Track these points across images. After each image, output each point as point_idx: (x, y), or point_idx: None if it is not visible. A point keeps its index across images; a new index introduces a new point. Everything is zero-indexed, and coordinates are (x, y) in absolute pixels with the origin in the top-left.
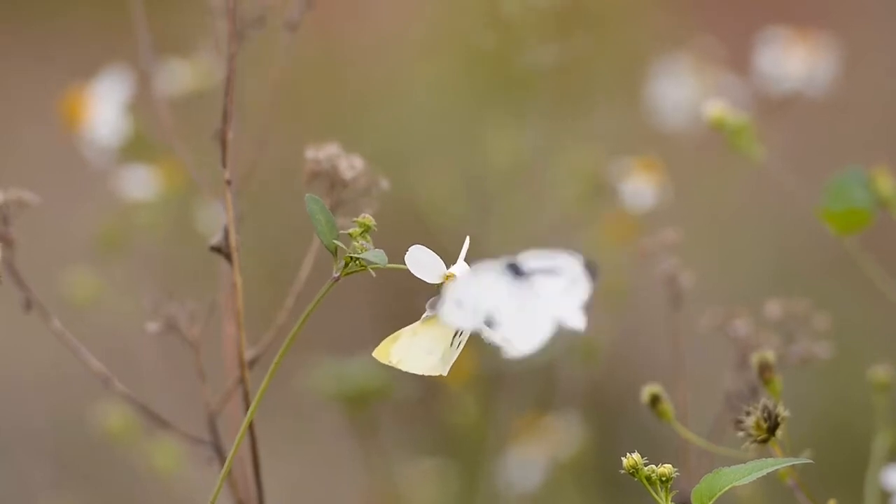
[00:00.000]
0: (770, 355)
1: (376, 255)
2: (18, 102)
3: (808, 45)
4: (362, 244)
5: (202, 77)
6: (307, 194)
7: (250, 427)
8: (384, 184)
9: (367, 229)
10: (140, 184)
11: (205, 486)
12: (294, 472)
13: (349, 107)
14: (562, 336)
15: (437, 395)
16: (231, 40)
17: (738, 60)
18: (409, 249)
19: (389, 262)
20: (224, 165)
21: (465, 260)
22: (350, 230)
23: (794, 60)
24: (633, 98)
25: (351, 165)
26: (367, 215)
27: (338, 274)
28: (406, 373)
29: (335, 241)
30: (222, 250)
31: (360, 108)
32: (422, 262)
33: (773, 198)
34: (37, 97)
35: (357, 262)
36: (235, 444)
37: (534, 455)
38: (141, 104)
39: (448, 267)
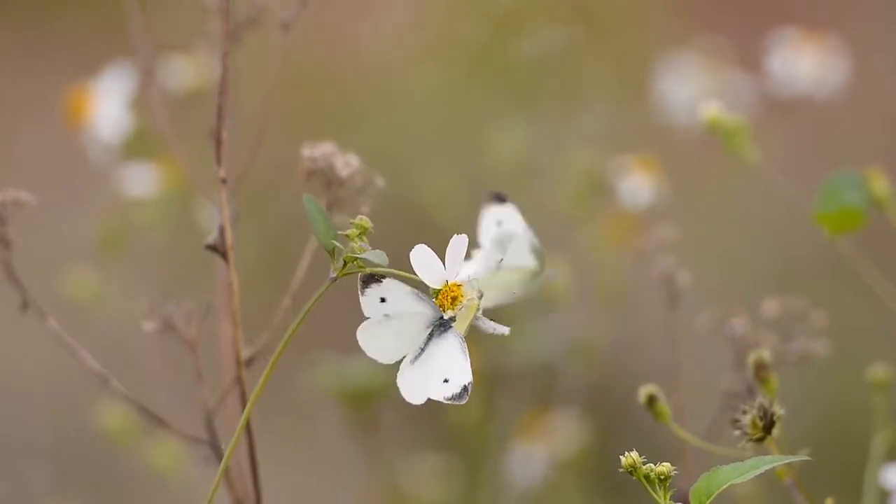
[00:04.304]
0: (766, 354)
1: (376, 256)
2: (18, 102)
3: (818, 47)
4: (360, 245)
5: (200, 76)
6: (304, 195)
7: (248, 427)
8: (380, 182)
9: (364, 231)
10: (141, 181)
11: (204, 486)
12: (294, 473)
13: (350, 106)
14: (561, 337)
15: None
16: (225, 39)
17: (738, 60)
18: (414, 248)
19: (393, 264)
20: (219, 164)
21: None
22: (348, 231)
23: (804, 61)
24: (636, 97)
25: (346, 163)
26: (363, 217)
27: (335, 274)
28: None
29: (333, 242)
30: (218, 249)
31: (362, 107)
32: (425, 263)
33: (777, 198)
34: (37, 97)
35: (356, 262)
36: (233, 441)
37: (535, 453)
38: (139, 103)
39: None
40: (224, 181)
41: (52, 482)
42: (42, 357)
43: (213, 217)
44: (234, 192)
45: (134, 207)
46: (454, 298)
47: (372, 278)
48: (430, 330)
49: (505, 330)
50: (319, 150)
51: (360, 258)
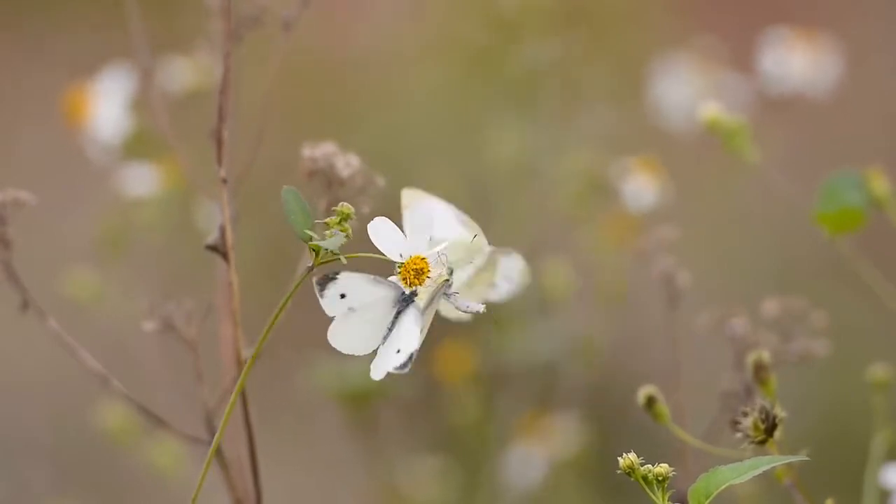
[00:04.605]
0: (765, 355)
1: (330, 242)
2: (18, 102)
3: (811, 45)
4: (332, 231)
5: (201, 76)
6: (284, 186)
7: (248, 426)
8: (380, 182)
9: (345, 217)
10: (141, 181)
11: (204, 486)
12: (294, 473)
13: (350, 106)
14: (561, 337)
15: (438, 394)
16: (226, 39)
17: (738, 60)
18: (373, 220)
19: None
20: (219, 164)
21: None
22: (327, 219)
23: (797, 60)
24: (634, 98)
25: (347, 163)
26: (345, 204)
27: (311, 263)
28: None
29: (307, 232)
30: (218, 249)
31: (362, 107)
32: (384, 234)
33: (777, 198)
34: (37, 97)
35: (329, 252)
36: (222, 424)
37: (535, 453)
38: (140, 103)
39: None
40: (224, 181)
41: (52, 482)
42: (42, 357)
43: (213, 217)
44: (234, 192)
45: (134, 207)
46: (419, 271)
47: (327, 278)
48: (396, 309)
49: (479, 307)
50: (320, 150)
51: (318, 245)
